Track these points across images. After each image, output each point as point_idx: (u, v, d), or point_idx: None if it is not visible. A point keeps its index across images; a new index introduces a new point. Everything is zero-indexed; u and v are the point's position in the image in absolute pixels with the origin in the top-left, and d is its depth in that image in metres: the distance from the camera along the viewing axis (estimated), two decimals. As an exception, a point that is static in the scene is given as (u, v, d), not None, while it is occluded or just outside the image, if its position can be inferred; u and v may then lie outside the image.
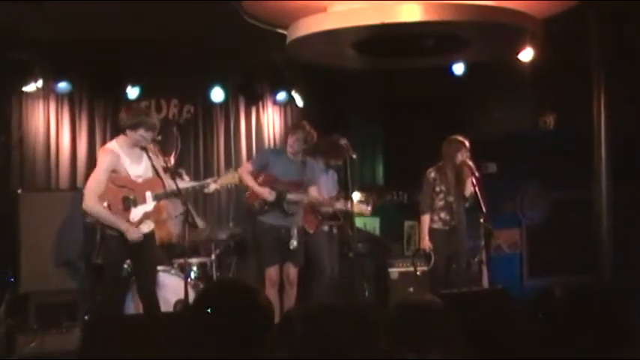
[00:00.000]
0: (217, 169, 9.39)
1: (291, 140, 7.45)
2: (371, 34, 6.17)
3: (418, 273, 8.02)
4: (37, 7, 6.40)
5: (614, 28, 7.58)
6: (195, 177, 8.85)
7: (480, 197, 7.09)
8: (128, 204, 6.18)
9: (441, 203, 7.52)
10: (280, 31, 6.49)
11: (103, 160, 6.23)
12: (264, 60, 8.77)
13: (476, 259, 7.95)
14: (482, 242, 7.67)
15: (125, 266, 6.51)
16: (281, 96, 9.71)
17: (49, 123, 8.63)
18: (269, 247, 7.33)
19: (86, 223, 6.95)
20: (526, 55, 7.70)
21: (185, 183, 7.03)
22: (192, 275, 7.52)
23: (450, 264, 7.54)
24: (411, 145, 9.67)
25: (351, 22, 5.98)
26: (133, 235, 6.13)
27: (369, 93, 10.18)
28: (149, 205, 6.27)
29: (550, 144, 9.12)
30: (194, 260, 7.68)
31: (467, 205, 7.52)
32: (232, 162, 9.53)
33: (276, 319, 2.55)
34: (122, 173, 6.20)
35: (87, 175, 7.12)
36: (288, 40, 6.42)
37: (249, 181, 7.37)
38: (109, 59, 8.37)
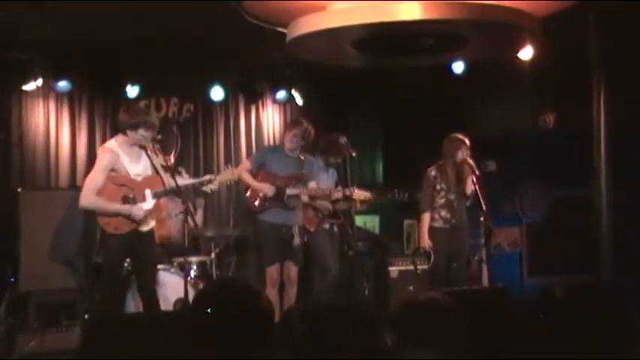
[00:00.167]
0: (217, 168, 9.38)
1: (289, 136, 7.47)
2: (370, 32, 6.18)
3: (418, 271, 8.01)
4: (37, 7, 6.39)
5: (614, 26, 7.57)
6: (195, 175, 8.83)
7: (480, 195, 7.09)
8: (128, 202, 6.19)
9: (442, 201, 7.51)
10: (280, 29, 6.49)
11: (102, 158, 6.24)
12: (263, 58, 8.76)
13: (476, 258, 7.94)
14: (483, 240, 7.67)
15: (125, 265, 6.51)
16: (281, 94, 9.71)
17: (49, 122, 8.64)
18: (270, 246, 7.33)
19: (87, 222, 6.95)
20: (526, 53, 7.69)
21: (184, 180, 7.03)
22: (192, 274, 7.51)
23: (450, 262, 7.53)
24: (411, 144, 9.66)
25: (351, 20, 5.98)
26: (137, 212, 6.14)
27: (368, 91, 10.17)
28: (149, 203, 6.28)
29: (550, 143, 9.12)
30: (194, 259, 7.67)
31: (468, 203, 7.51)
32: (232, 160, 9.52)
33: (277, 319, 2.55)
34: (121, 172, 6.20)
35: (86, 174, 7.11)
36: (288, 38, 6.42)
37: (248, 179, 7.37)
38: (108, 58, 8.37)
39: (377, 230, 9.67)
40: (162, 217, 7.08)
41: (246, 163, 7.68)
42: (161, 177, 6.35)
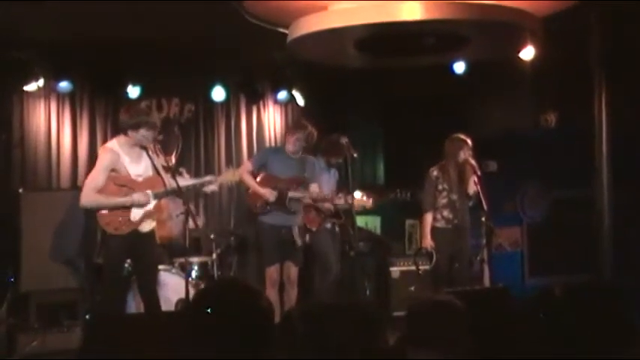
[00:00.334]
0: (218, 168, 9.40)
1: (291, 139, 7.44)
2: (372, 32, 6.17)
3: (420, 272, 8.01)
4: (38, 7, 6.40)
5: (615, 26, 7.57)
6: (196, 176, 8.83)
7: (482, 195, 7.09)
8: (128, 202, 6.19)
9: (444, 201, 7.50)
10: (281, 29, 6.49)
11: (103, 158, 6.23)
12: (264, 59, 8.77)
13: (477, 258, 7.94)
14: (484, 241, 7.67)
15: (126, 265, 6.51)
16: (282, 95, 9.71)
17: (50, 122, 8.65)
18: (269, 247, 7.32)
19: (88, 222, 6.96)
20: (527, 53, 7.69)
21: (185, 181, 7.03)
22: (194, 274, 7.52)
23: (452, 262, 7.52)
24: (412, 144, 9.66)
25: (352, 20, 5.98)
26: (140, 198, 6.13)
27: (369, 92, 10.17)
28: (150, 203, 6.27)
29: (551, 143, 9.11)
30: (195, 259, 7.67)
31: (470, 203, 7.50)
32: (233, 161, 9.54)
33: (277, 319, 2.55)
34: (122, 172, 6.20)
35: (88, 175, 7.10)
36: (289, 38, 6.42)
37: (250, 182, 7.36)
38: (109, 59, 8.38)
39: (378, 230, 9.66)
40: (162, 218, 7.07)
41: (247, 165, 7.66)
42: (162, 178, 6.34)
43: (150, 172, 6.32)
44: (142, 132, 6.16)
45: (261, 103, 9.87)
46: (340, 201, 7.72)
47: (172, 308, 6.81)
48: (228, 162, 9.52)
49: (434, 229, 7.51)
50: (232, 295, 2.51)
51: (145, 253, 6.31)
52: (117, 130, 6.87)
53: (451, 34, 6.38)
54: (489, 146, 8.18)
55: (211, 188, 6.86)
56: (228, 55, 8.61)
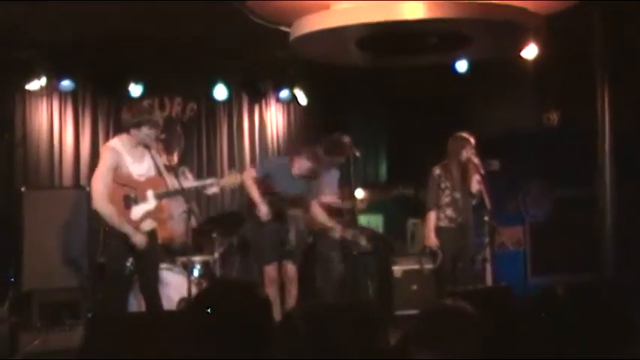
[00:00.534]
0: (221, 167, 9.41)
1: (296, 164, 7.23)
2: (374, 31, 6.18)
3: (424, 271, 8.01)
4: (39, 7, 6.40)
5: (618, 25, 7.56)
6: (198, 175, 8.84)
7: (485, 194, 7.08)
8: (129, 202, 6.17)
9: (447, 199, 7.48)
10: (283, 29, 6.49)
11: (105, 157, 6.21)
12: (267, 58, 8.78)
13: (480, 257, 7.94)
14: (487, 239, 7.66)
15: (128, 264, 6.50)
16: (284, 94, 9.71)
17: (53, 121, 8.66)
18: (266, 247, 7.29)
19: (90, 221, 6.95)
20: (529, 52, 7.69)
21: (188, 182, 7.01)
22: (196, 273, 7.51)
23: (455, 262, 7.51)
24: (414, 144, 9.66)
25: (355, 19, 5.99)
26: (137, 239, 6.12)
27: (371, 91, 10.17)
28: (151, 203, 6.26)
29: (553, 142, 9.11)
30: (197, 258, 7.66)
31: (474, 202, 7.49)
32: (235, 160, 9.54)
33: (277, 317, 2.54)
34: (124, 171, 6.19)
35: (90, 173, 7.11)
36: (292, 37, 6.42)
37: (253, 192, 7.18)
38: (112, 57, 8.38)
39: (380, 229, 9.66)
40: (163, 218, 7.07)
41: (251, 171, 7.47)
42: (164, 178, 6.34)
43: (152, 172, 6.30)
44: (145, 130, 6.15)
45: (263, 102, 9.87)
46: (340, 201, 7.72)
47: (175, 307, 6.81)
48: (231, 160, 9.52)
49: (438, 228, 7.49)
50: (233, 294, 2.51)
51: (147, 252, 6.30)
52: (119, 128, 6.86)
53: (453, 33, 6.39)
54: (492, 145, 8.18)
55: (213, 190, 6.84)
56: (230, 54, 8.61)
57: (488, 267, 8.13)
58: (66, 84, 8.54)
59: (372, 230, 9.33)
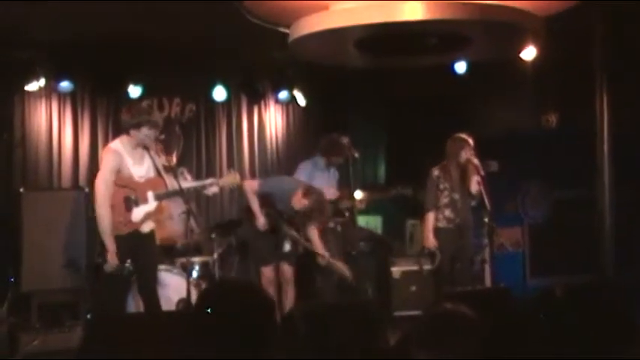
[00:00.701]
0: (219, 168, 9.40)
1: (295, 198, 7.03)
2: (373, 32, 6.17)
3: (423, 272, 8.00)
4: (38, 7, 6.40)
5: (617, 26, 7.57)
6: (197, 175, 8.83)
7: (484, 195, 7.08)
8: (130, 204, 6.17)
9: (446, 200, 7.49)
10: (282, 29, 6.49)
11: (107, 160, 6.20)
12: (265, 59, 8.77)
13: (479, 258, 7.94)
14: (486, 240, 7.66)
15: (126, 265, 6.49)
16: (283, 95, 9.71)
17: (52, 122, 8.65)
18: (262, 249, 7.28)
19: (89, 222, 6.95)
20: (528, 53, 7.69)
21: (187, 183, 7.01)
22: (195, 274, 7.50)
23: (454, 262, 7.51)
24: (414, 145, 9.66)
25: (354, 20, 5.98)
26: (108, 266, 6.08)
27: (371, 92, 10.17)
28: (151, 205, 6.26)
29: (552, 143, 9.11)
30: (196, 259, 7.66)
31: (473, 203, 7.49)
32: (234, 160, 9.54)
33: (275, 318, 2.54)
34: (124, 173, 6.19)
35: (89, 174, 7.13)
36: (291, 38, 6.42)
37: (253, 204, 7.13)
38: (111, 58, 8.38)
39: (379, 230, 9.65)
40: (163, 219, 7.06)
41: (253, 184, 7.38)
42: (163, 179, 6.34)
43: (152, 173, 6.31)
44: (144, 131, 6.15)
45: (262, 102, 9.87)
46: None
47: (173, 308, 6.81)
48: (230, 161, 9.52)
49: (437, 229, 7.49)
50: (233, 294, 2.51)
51: (145, 253, 6.30)
52: (118, 129, 6.87)
53: (453, 34, 6.38)
54: (491, 146, 8.18)
55: (212, 191, 6.84)
56: (229, 54, 8.62)
57: (487, 268, 8.12)
58: (65, 85, 8.53)
59: (370, 231, 9.34)
